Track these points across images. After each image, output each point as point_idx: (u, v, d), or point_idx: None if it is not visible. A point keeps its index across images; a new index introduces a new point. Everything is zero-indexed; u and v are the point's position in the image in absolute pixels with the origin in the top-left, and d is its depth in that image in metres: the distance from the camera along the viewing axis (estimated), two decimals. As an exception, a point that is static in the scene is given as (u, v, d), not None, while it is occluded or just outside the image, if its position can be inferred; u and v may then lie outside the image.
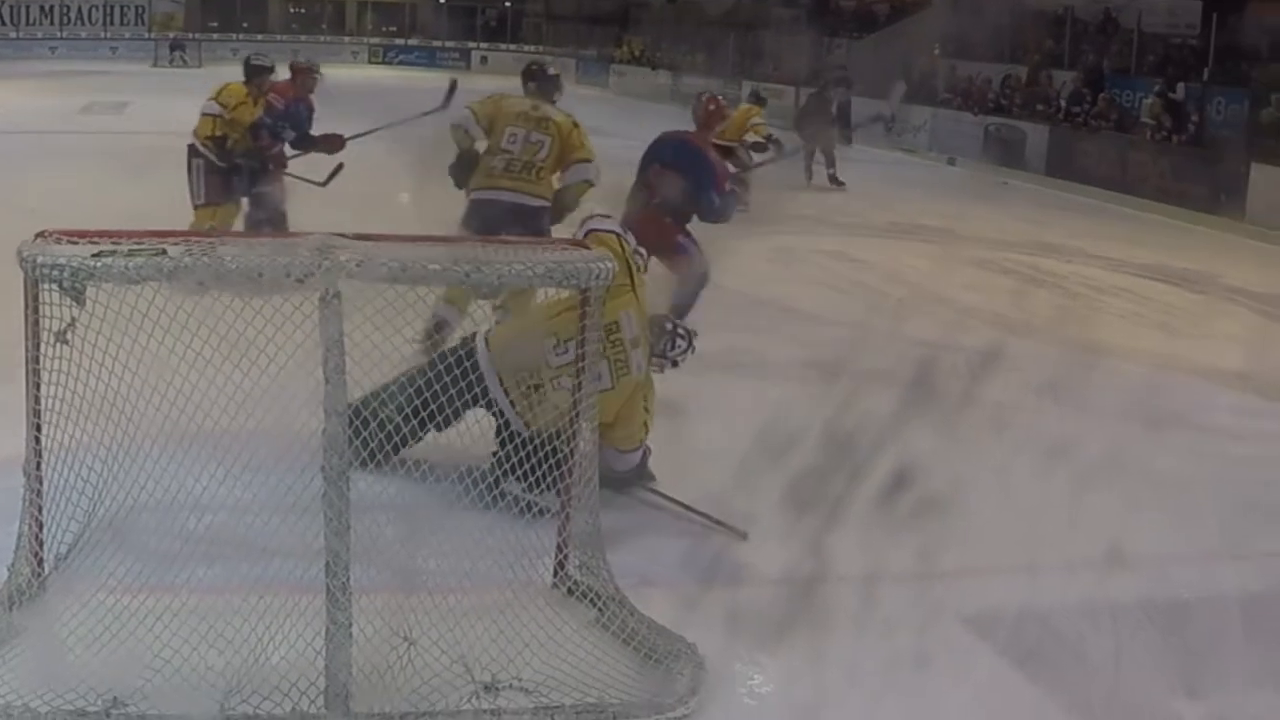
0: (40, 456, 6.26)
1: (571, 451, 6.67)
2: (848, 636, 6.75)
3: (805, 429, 8.75)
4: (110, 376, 6.04)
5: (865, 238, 11.99)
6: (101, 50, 52.61)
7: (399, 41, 61.54)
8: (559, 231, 11.04)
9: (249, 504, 6.51)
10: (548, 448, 6.83)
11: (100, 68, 44.09)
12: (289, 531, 6.13)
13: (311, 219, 9.22)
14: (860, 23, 41.21)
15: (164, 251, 5.59)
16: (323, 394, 5.61)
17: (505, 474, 7.22)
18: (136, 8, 58.00)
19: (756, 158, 17.19)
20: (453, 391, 7.03)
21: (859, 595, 7.10)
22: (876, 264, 12.87)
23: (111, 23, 56.67)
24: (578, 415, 6.66)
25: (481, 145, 11.61)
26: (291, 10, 63.22)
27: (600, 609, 6.60)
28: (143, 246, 5.62)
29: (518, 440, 7.18)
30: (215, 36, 57.60)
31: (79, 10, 56.14)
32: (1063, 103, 30.20)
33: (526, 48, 59.28)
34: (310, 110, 14.34)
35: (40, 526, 6.39)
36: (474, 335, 7.78)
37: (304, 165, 14.07)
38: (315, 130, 14.33)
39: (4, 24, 52.76)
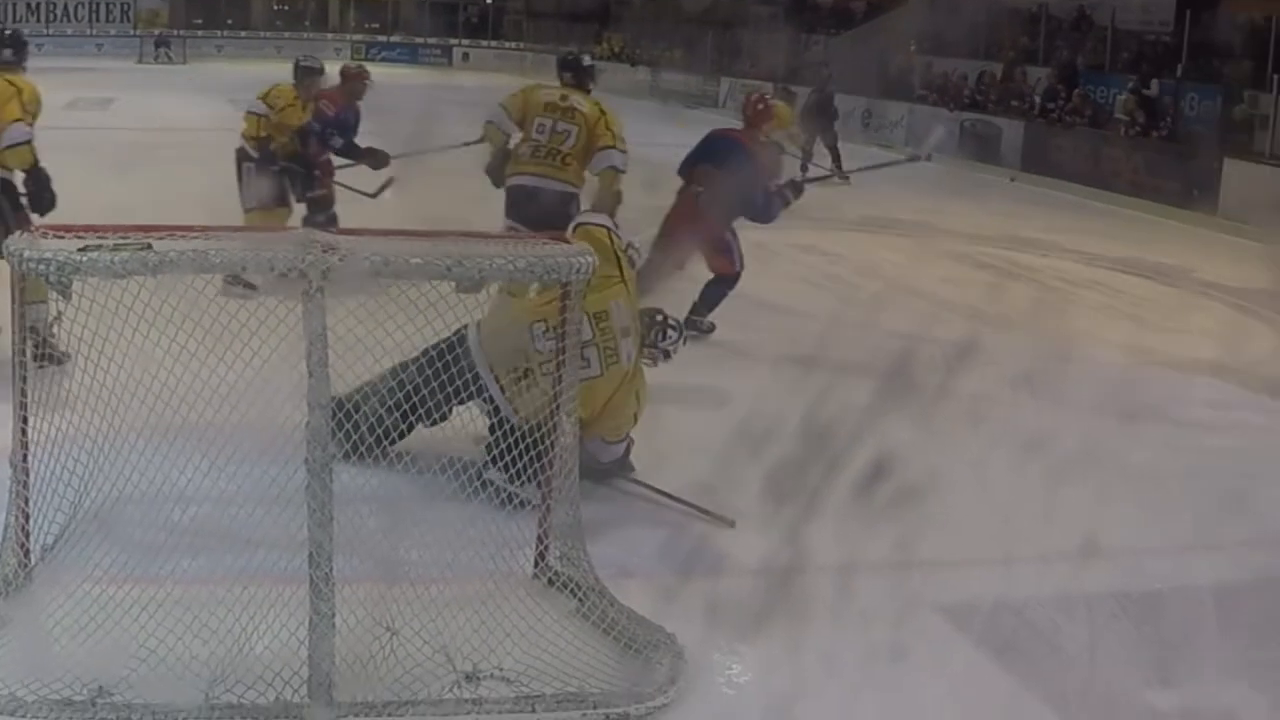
0: (27, 448, 6.31)
1: (553, 444, 6.72)
2: (825, 626, 6.77)
3: (783, 421, 8.80)
4: (96, 369, 6.08)
5: (840, 232, 12.04)
6: (87, 47, 52.50)
7: (381, 38, 61.43)
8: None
9: (233, 496, 6.51)
10: (532, 438, 6.87)
11: (86, 64, 43.92)
12: (273, 523, 6.14)
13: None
14: (837, 19, 41.22)
15: (149, 246, 5.62)
16: (306, 387, 5.65)
17: (490, 463, 7.27)
18: (122, 5, 57.84)
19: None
20: (446, 386, 7.06)
21: (837, 586, 7.15)
22: (851, 258, 12.93)
23: (97, 20, 56.55)
24: (558, 408, 6.71)
25: (515, 141, 11.90)
26: (275, 7, 63.10)
27: (580, 599, 6.64)
28: (128, 241, 5.65)
29: (506, 428, 7.23)
30: (200, 33, 57.50)
31: (65, 7, 56.04)
32: (1037, 99, 30.25)
33: (508, 44, 59.40)
34: (358, 117, 14.18)
35: (26, 518, 6.43)
36: (465, 326, 7.81)
37: (351, 174, 14.10)
38: (360, 137, 14.24)
39: (-10, 21, 52.88)
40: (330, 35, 61.29)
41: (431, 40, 59.91)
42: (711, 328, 12.18)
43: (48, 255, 5.54)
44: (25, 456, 6.30)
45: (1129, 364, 12.13)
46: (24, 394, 6.20)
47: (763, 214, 11.95)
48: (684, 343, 8.80)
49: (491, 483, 7.33)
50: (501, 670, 5.98)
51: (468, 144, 13.77)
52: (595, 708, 5.84)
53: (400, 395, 7.37)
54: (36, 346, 8.50)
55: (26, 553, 6.51)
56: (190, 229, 5.85)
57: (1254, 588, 7.88)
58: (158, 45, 53.45)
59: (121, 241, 5.63)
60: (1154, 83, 27.67)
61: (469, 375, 7.58)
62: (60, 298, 5.69)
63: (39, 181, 10.11)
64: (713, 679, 6.28)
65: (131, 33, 55.84)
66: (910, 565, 7.50)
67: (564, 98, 11.81)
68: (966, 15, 31.06)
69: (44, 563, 6.58)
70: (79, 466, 6.53)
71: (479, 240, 6.33)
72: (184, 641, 5.82)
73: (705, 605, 6.84)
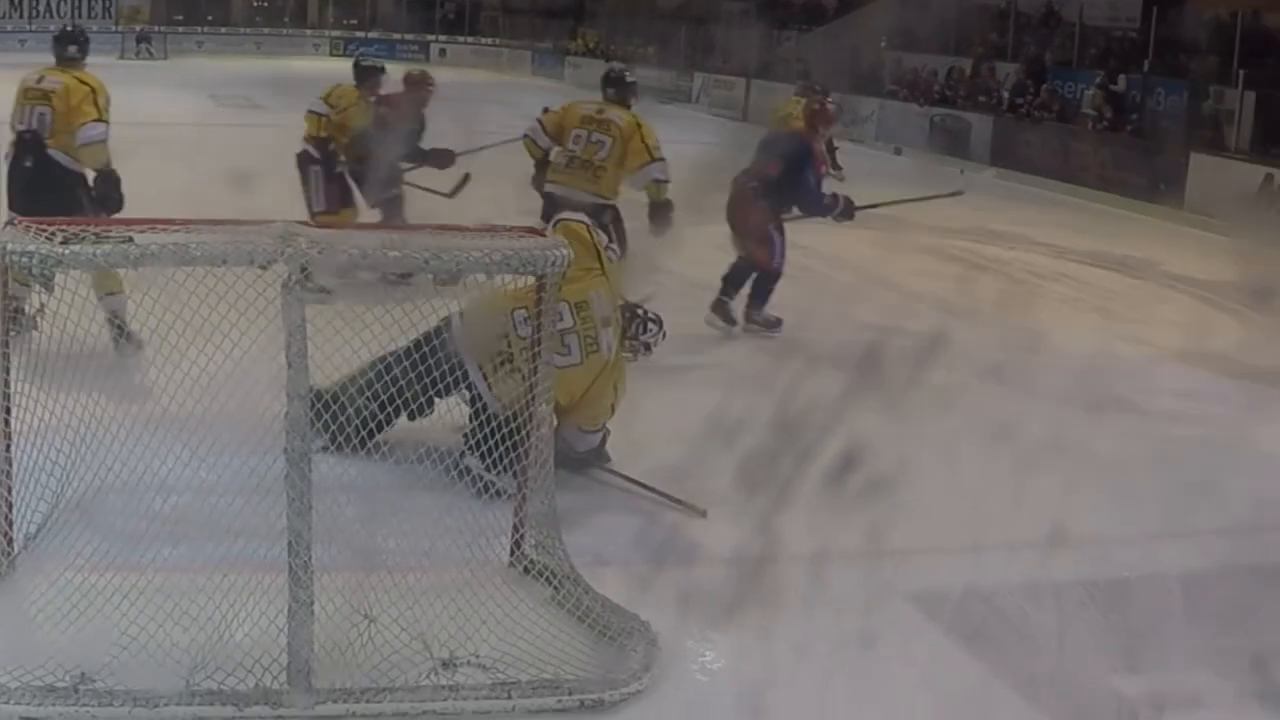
0: (9, 438, 6.38)
1: (528, 434, 6.79)
2: (797, 615, 6.85)
3: (754, 412, 8.85)
4: (78, 360, 6.13)
5: (812, 225, 12.05)
6: (70, 42, 52.27)
7: (359, 34, 61.17)
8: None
9: (213, 485, 6.57)
10: (510, 427, 6.92)
11: (69, 59, 43.78)
12: (252, 512, 6.20)
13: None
14: (809, 15, 41.18)
15: (131, 239, 5.68)
16: (285, 378, 5.71)
17: (470, 450, 7.32)
18: (104, 1, 57.64)
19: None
20: (429, 377, 7.12)
21: (808, 574, 7.21)
22: (823, 251, 12.99)
23: (79, 16, 56.11)
24: (534, 399, 6.77)
25: (555, 152, 12.14)
26: (255, 3, 62.85)
27: (556, 587, 6.70)
28: (110, 234, 5.71)
29: (485, 416, 7.28)
30: (181, 29, 57.20)
31: (47, 2, 55.76)
32: (1006, 94, 30.29)
33: (484, 40, 59.19)
34: (423, 124, 13.98)
35: (9, 507, 6.49)
36: (448, 317, 7.86)
37: (425, 175, 14.01)
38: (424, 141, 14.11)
39: (-28, 17, 52.77)
40: (309, 31, 61.07)
41: (409, 36, 59.69)
42: (777, 321, 12.32)
43: (31, 248, 5.58)
44: (8, 446, 6.37)
45: (1096, 355, 12.18)
46: (7, 385, 6.25)
47: (814, 204, 12.09)
48: (663, 337, 8.88)
49: (469, 470, 7.39)
50: (478, 657, 6.03)
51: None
52: (570, 694, 5.90)
53: (381, 386, 7.42)
54: (117, 332, 8.78)
55: (10, 541, 6.56)
56: (171, 222, 5.89)
57: (1220, 576, 7.96)
58: (139, 41, 53.12)
59: (103, 235, 5.69)
60: (1121, 78, 27.75)
61: (452, 362, 7.64)
62: (43, 290, 5.74)
63: (109, 181, 10.22)
64: (686, 666, 6.34)
65: (113, 29, 55.49)
66: (880, 554, 7.56)
67: (600, 111, 12.09)
68: (936, 11, 31.13)
69: (27, 551, 6.65)
70: (61, 456, 6.59)
71: (456, 234, 6.37)
72: (165, 629, 5.86)
73: (679, 593, 6.88)
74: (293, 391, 5.68)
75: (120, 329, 9.01)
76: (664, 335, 8.88)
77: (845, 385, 9.91)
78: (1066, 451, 9.33)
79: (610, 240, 9.47)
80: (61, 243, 5.58)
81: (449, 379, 7.51)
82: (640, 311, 8.82)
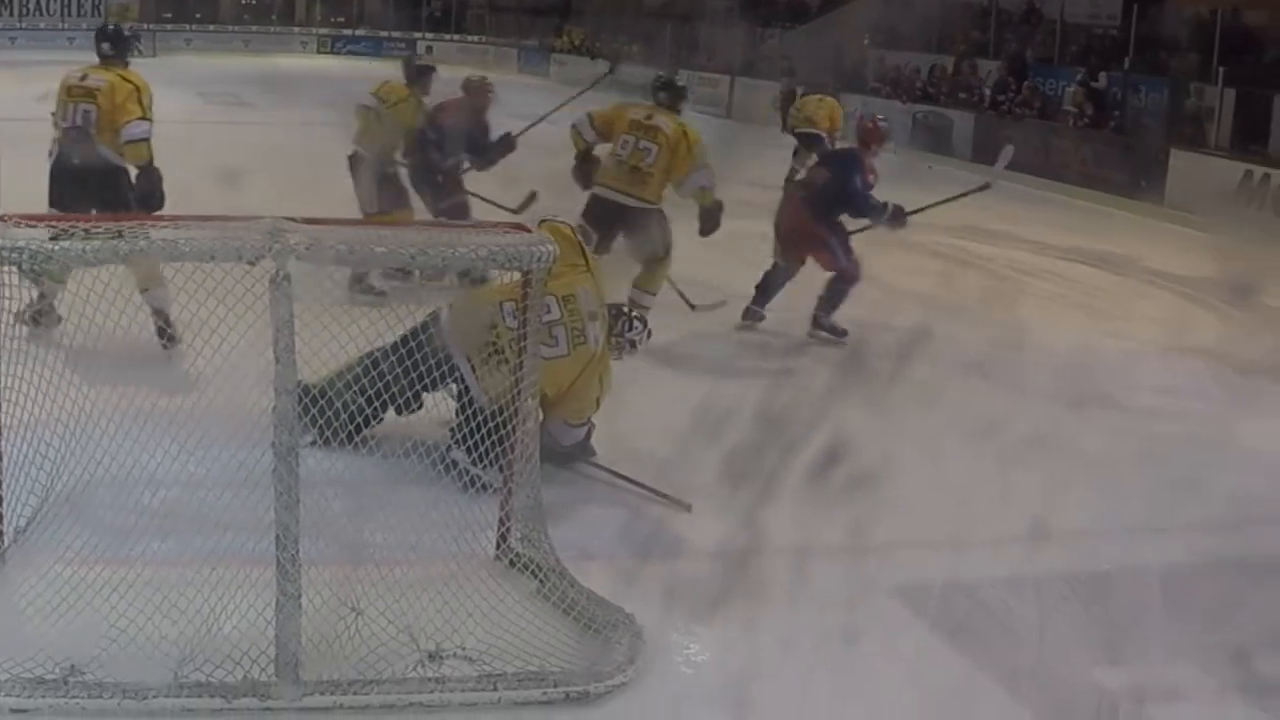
0: (0, 432, 6.41)
1: (514, 428, 6.82)
2: (781, 608, 6.90)
3: (739, 407, 8.90)
4: (67, 355, 6.15)
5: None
6: (59, 40, 51.89)
7: (346, 32, 61.15)
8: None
9: (202, 479, 6.58)
10: (496, 421, 6.95)
11: (58, 57, 43.68)
12: (240, 506, 6.22)
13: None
14: (793, 13, 41.19)
15: (120, 235, 5.71)
16: (273, 373, 5.74)
17: (456, 444, 7.35)
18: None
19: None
20: (416, 371, 7.14)
21: (792, 568, 7.24)
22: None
23: (69, 14, 56.08)
24: (519, 394, 6.80)
25: (599, 148, 12.27)
26: (243, 1, 62.75)
27: (541, 581, 6.74)
28: (99, 230, 5.74)
29: (472, 409, 7.30)
30: (169, 27, 57.04)
31: (37, 2, 55.72)
32: (988, 91, 30.34)
33: (470, 38, 59.11)
34: (485, 130, 13.73)
35: (-1, 500, 6.50)
36: (436, 311, 7.88)
37: (490, 187, 13.81)
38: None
39: (-38, 17, 52.79)
40: (297, 29, 60.96)
41: (395, 34, 59.62)
42: (843, 333, 12.21)
43: (20, 243, 5.59)
44: (-2, 440, 6.39)
45: (1079, 351, 12.22)
46: (-4, 380, 6.28)
47: (863, 208, 12.15)
48: (648, 336, 8.91)
49: (455, 463, 7.42)
50: (464, 650, 6.06)
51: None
52: (555, 686, 5.93)
53: (368, 380, 7.46)
54: (161, 327, 8.84)
55: (0, 535, 6.60)
56: (160, 218, 5.92)
57: (1202, 570, 7.99)
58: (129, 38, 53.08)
59: (92, 230, 5.71)
60: (1102, 75, 27.80)
61: (441, 356, 7.66)
62: (34, 285, 5.76)
63: (151, 178, 10.26)
64: (671, 659, 6.37)
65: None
66: (865, 549, 7.60)
67: (649, 117, 12.16)
68: (918, 9, 31.17)
69: (17, 545, 6.68)
70: (51, 450, 6.63)
71: (442, 229, 6.40)
72: (154, 621, 5.88)
73: (663, 587, 6.92)
74: (280, 386, 5.70)
75: (164, 323, 9.15)
76: (649, 334, 8.91)
77: (830, 381, 9.96)
78: (1049, 447, 9.38)
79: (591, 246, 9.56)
80: (50, 238, 5.61)
81: (436, 374, 7.52)
82: (625, 310, 8.88)
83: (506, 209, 13.10)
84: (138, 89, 10.39)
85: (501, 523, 7.03)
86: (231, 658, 5.77)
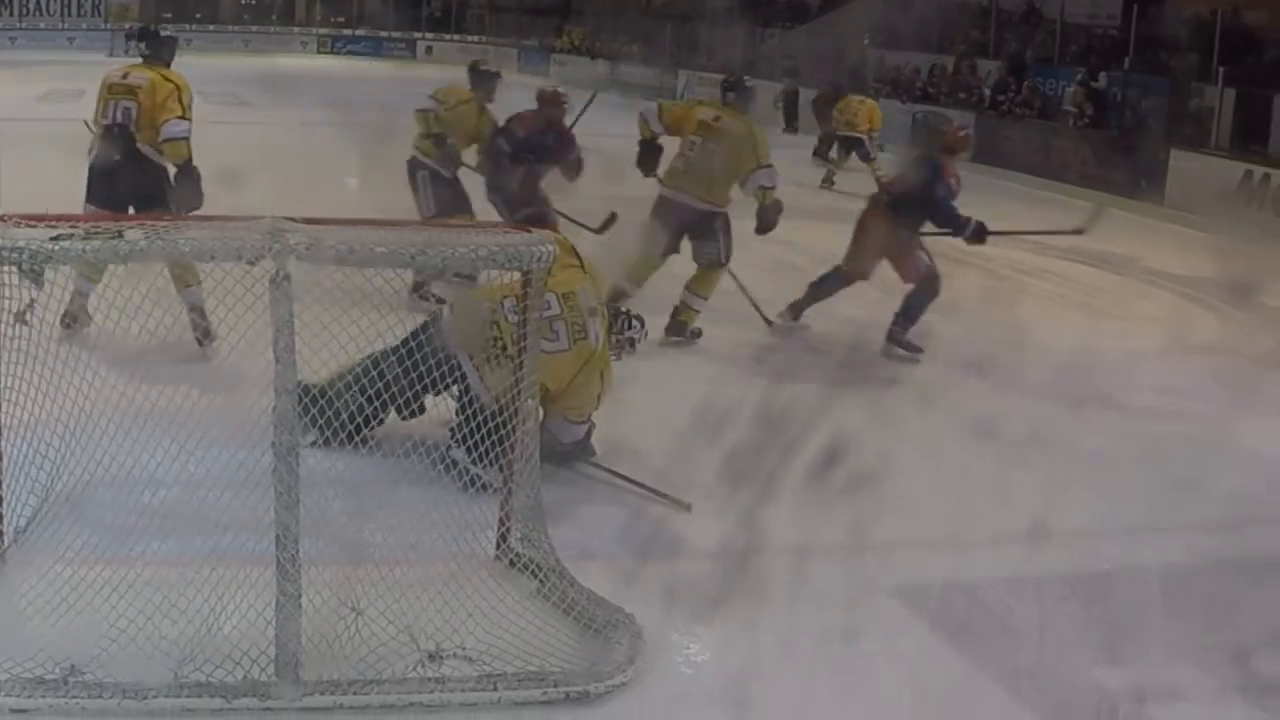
0: (0, 432, 6.42)
1: (515, 428, 6.81)
2: (781, 608, 6.90)
3: (739, 406, 8.91)
4: (68, 355, 6.15)
5: (797, 221, 12.05)
6: (59, 40, 52.14)
7: (346, 32, 61.23)
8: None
9: (202, 479, 6.59)
10: (497, 420, 6.95)
11: (58, 57, 43.69)
12: (240, 506, 6.22)
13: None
14: (793, 13, 41.25)
15: (120, 235, 5.71)
16: (273, 373, 5.74)
17: (457, 443, 7.34)
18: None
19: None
20: (418, 371, 7.12)
21: (792, 568, 7.25)
22: (807, 246, 13.05)
23: (69, 14, 56.15)
24: (520, 393, 6.80)
25: (663, 140, 12.30)
26: (243, 1, 62.79)
27: (541, 580, 6.74)
28: (99, 230, 5.74)
29: (474, 409, 7.30)
30: (169, 27, 57.06)
31: (37, 2, 55.82)
32: (988, 91, 30.36)
33: (470, 38, 59.15)
34: (561, 139, 13.35)
35: (-1, 500, 6.51)
36: (438, 312, 7.88)
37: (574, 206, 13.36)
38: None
39: (-36, 17, 52.92)
40: (297, 29, 61.03)
41: (395, 34, 59.71)
42: (919, 350, 12.03)
43: (20, 244, 5.59)
44: (-2, 440, 6.39)
45: (1079, 351, 12.22)
46: (-4, 379, 6.29)
47: (947, 218, 12.12)
48: (646, 335, 8.92)
49: (455, 463, 7.43)
50: (464, 650, 6.06)
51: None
52: (556, 686, 5.92)
53: (368, 381, 7.46)
54: (196, 323, 8.91)
55: (0, 535, 6.60)
56: (160, 218, 5.92)
57: (1202, 570, 7.99)
58: (128, 39, 53.01)
59: (92, 230, 5.71)
60: (1102, 75, 27.82)
61: (440, 357, 7.64)
62: (33, 285, 5.76)
63: (189, 178, 10.33)
64: (671, 659, 6.37)
65: (102, 26, 55.46)
66: (864, 548, 7.61)
67: (717, 119, 12.13)
68: (918, 9, 31.19)
69: (17, 545, 6.68)
70: (51, 450, 6.63)
71: (442, 229, 6.40)
72: (154, 621, 5.88)
73: (663, 587, 6.92)
74: (280, 386, 5.70)
75: (201, 321, 9.28)
76: (646, 333, 8.92)
77: (830, 381, 9.96)
78: (1049, 447, 9.41)
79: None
80: (51, 238, 5.61)
81: (439, 375, 7.51)
82: (623, 310, 8.89)
83: (588, 228, 12.93)
84: (178, 88, 10.47)
85: (501, 523, 7.02)
86: (231, 658, 5.76)
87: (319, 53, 58.26)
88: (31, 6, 55.32)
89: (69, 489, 6.77)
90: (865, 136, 23.85)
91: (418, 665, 5.97)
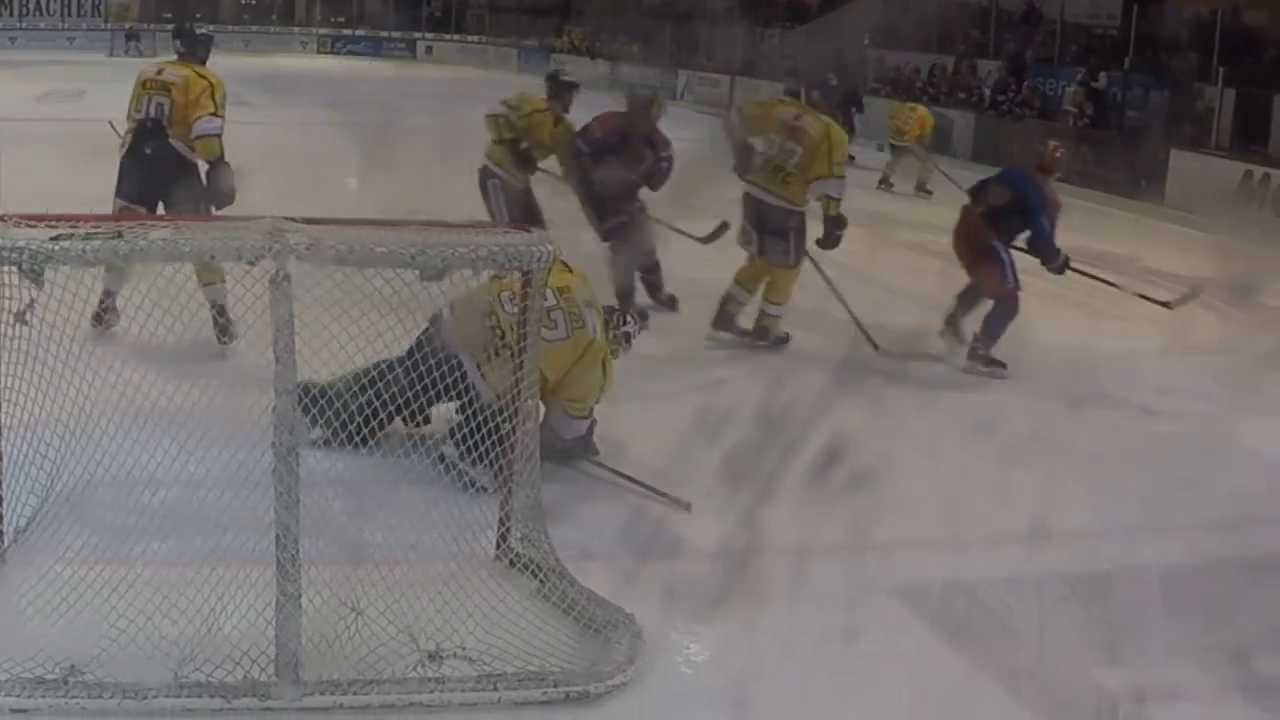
0: (0, 432, 6.42)
1: (515, 427, 6.81)
2: (781, 608, 6.90)
3: (739, 406, 8.91)
4: (68, 355, 6.15)
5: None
6: (59, 40, 52.27)
7: (346, 32, 61.32)
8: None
9: (202, 479, 6.59)
10: (495, 421, 6.94)
11: (58, 57, 43.82)
12: (240, 506, 6.22)
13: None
14: (793, 13, 41.28)
15: (120, 235, 5.71)
16: (273, 373, 5.74)
17: (457, 444, 7.32)
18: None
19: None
20: (425, 380, 7.10)
21: (792, 568, 7.25)
22: (809, 246, 13.00)
23: (69, 14, 56.28)
24: (519, 394, 6.80)
25: (755, 141, 12.08)
26: (243, 1, 62.83)
27: (541, 580, 6.74)
28: (99, 230, 5.74)
29: (473, 409, 7.29)
30: (169, 27, 57.15)
31: (37, 2, 55.90)
32: (988, 91, 30.40)
33: (470, 38, 59.26)
34: (655, 147, 12.85)
35: (-1, 500, 6.51)
36: (438, 313, 7.86)
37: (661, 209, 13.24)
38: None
39: (-36, 17, 53.00)
40: (297, 29, 61.14)
41: (395, 34, 59.80)
42: (1002, 366, 11.85)
43: (20, 243, 5.60)
44: (-2, 440, 6.40)
45: (1077, 350, 12.23)
46: (-4, 379, 6.29)
47: (1046, 248, 12.15)
48: (640, 329, 8.92)
49: (444, 457, 7.44)
50: (464, 650, 6.06)
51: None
52: (555, 686, 5.92)
53: (375, 392, 7.45)
54: (218, 320, 8.97)
55: (0, 535, 6.61)
56: (160, 218, 5.93)
57: (1202, 570, 8.00)
58: (128, 39, 53.07)
59: (93, 231, 5.71)
60: (1102, 75, 27.85)
61: (444, 355, 7.60)
62: (33, 285, 5.76)
63: (220, 174, 10.43)
64: (670, 658, 6.37)
65: (102, 26, 55.57)
66: (864, 548, 7.61)
67: (797, 118, 12.00)
68: (918, 9, 31.21)
69: (17, 545, 6.68)
70: (51, 450, 6.63)
71: (442, 229, 6.40)
72: (154, 621, 5.88)
73: (663, 587, 6.92)
74: (280, 386, 5.70)
75: (222, 318, 9.32)
76: (640, 327, 8.92)
77: (830, 381, 9.96)
78: (1049, 447, 9.42)
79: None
80: (51, 238, 5.61)
81: (447, 385, 7.49)
82: (618, 307, 8.91)
83: (695, 238, 12.89)
84: (212, 86, 10.56)
85: (501, 523, 7.03)
86: (231, 658, 5.76)
87: (319, 53, 58.34)
88: (31, 6, 55.39)
89: (69, 489, 6.76)
90: (913, 145, 23.66)
91: (418, 665, 5.97)
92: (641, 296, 12.53)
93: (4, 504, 6.62)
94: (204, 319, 5.98)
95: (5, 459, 6.54)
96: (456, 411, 7.79)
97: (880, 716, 6.18)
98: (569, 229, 12.22)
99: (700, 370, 11.05)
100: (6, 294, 6.07)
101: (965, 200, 12.43)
